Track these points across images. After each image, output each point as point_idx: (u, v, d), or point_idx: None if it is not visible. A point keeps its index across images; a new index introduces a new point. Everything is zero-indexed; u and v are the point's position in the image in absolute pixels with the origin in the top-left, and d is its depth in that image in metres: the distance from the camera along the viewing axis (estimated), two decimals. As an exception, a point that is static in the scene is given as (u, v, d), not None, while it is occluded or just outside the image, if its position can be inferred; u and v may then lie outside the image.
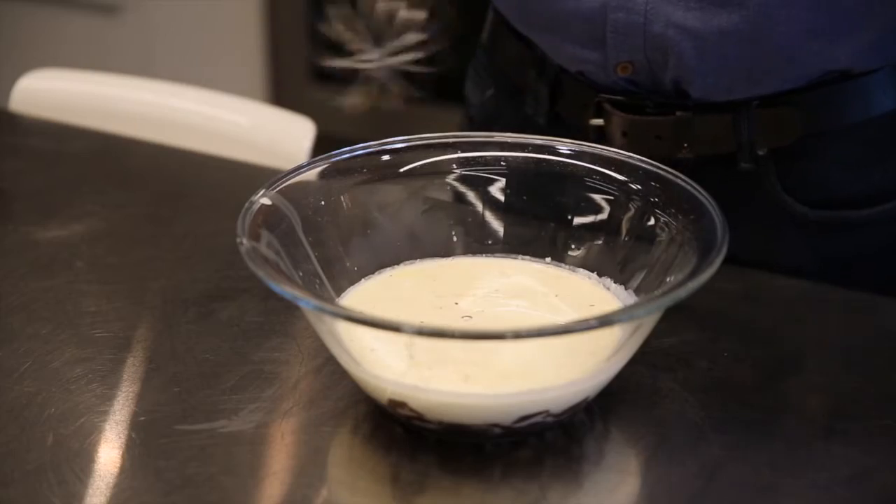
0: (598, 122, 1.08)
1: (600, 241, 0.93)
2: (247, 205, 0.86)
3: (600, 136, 1.08)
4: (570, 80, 1.09)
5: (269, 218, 0.87)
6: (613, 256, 0.92)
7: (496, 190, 0.96)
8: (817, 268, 1.04)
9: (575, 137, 1.07)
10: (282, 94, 2.87)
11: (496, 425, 0.81)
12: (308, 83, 2.87)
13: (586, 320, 0.75)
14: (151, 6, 2.84)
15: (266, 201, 0.87)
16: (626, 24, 1.03)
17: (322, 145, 1.16)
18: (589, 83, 1.08)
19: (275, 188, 0.89)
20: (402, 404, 0.81)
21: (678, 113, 1.05)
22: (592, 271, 0.93)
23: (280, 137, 1.38)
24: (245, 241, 0.82)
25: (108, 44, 2.88)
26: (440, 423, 0.81)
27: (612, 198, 0.93)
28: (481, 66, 1.21)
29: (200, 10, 2.83)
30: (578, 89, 1.09)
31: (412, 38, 1.03)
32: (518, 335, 0.76)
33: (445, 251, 0.96)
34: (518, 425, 0.81)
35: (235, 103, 1.45)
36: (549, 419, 0.82)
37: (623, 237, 0.91)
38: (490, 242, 0.96)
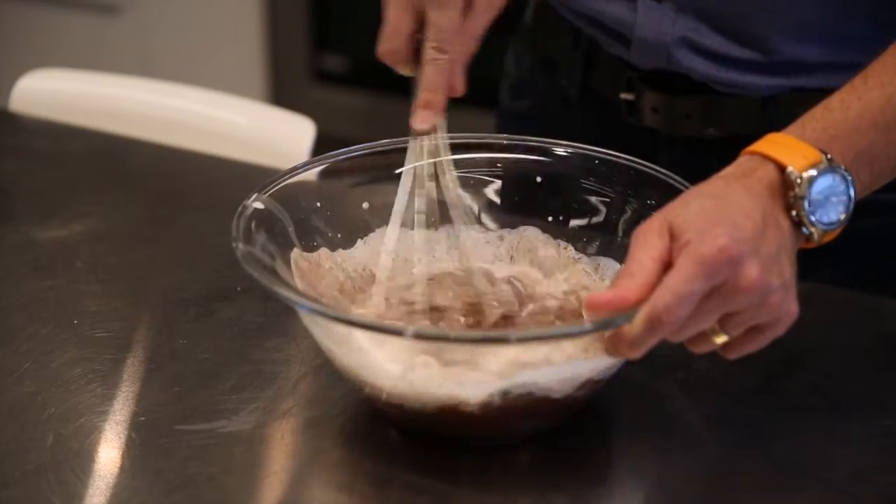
0: (629, 96, 1.08)
1: (596, 243, 0.93)
2: (240, 209, 0.86)
3: (631, 110, 1.09)
4: (604, 53, 1.10)
5: (263, 221, 0.87)
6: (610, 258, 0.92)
7: (491, 192, 0.96)
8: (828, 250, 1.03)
9: (606, 110, 1.08)
10: (282, 94, 2.87)
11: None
12: (308, 83, 2.87)
13: (582, 325, 0.76)
14: (151, 6, 2.83)
15: (259, 205, 0.87)
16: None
17: (322, 145, 1.16)
18: (621, 58, 1.08)
19: (267, 191, 0.88)
20: (399, 406, 0.81)
21: (707, 94, 1.05)
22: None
23: (280, 137, 1.37)
24: (241, 245, 0.82)
25: (108, 44, 2.87)
26: (433, 424, 0.81)
27: (608, 199, 0.93)
28: (522, 42, 1.22)
29: (200, 10, 2.83)
30: (611, 63, 1.09)
31: None
32: (521, 339, 0.76)
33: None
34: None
35: (235, 103, 1.44)
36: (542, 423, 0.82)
37: (619, 238, 0.91)
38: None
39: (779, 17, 1.00)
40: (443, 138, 0.90)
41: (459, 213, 0.91)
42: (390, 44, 0.89)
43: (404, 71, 0.90)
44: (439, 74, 0.88)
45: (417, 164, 0.90)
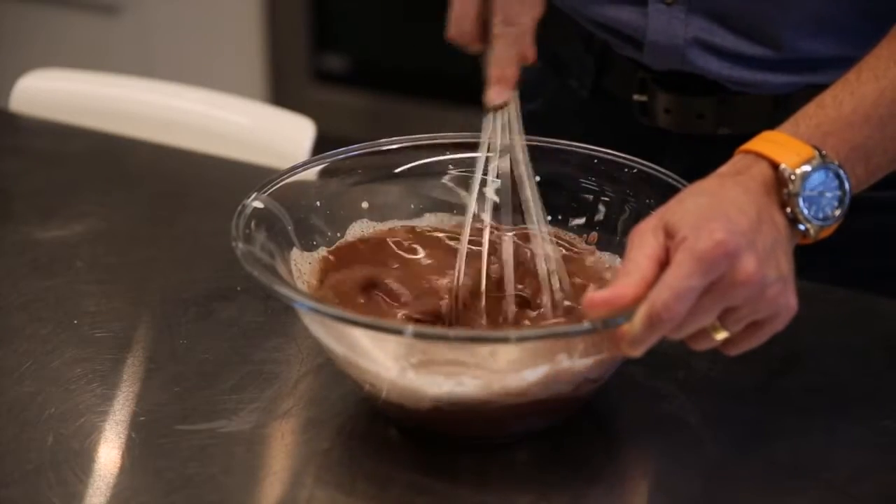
0: (642, 97, 1.09)
1: (595, 243, 0.93)
2: (239, 208, 0.86)
3: (644, 111, 1.09)
4: (616, 55, 1.10)
5: (263, 221, 0.87)
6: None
7: (491, 191, 0.96)
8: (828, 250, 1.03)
9: (619, 111, 1.08)
10: (282, 94, 2.87)
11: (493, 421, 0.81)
12: (308, 83, 2.87)
13: (581, 324, 0.76)
14: (151, 6, 2.83)
15: (258, 204, 0.87)
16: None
17: (322, 145, 1.16)
18: (634, 59, 1.08)
19: (267, 191, 0.89)
20: (398, 405, 0.81)
21: (720, 93, 1.05)
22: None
23: (280, 137, 1.37)
24: (240, 244, 0.82)
25: (108, 44, 2.87)
26: (433, 423, 0.81)
27: (607, 199, 0.93)
28: None
29: (200, 10, 2.83)
30: (623, 65, 1.09)
31: None
32: (521, 338, 0.76)
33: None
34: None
35: (235, 103, 1.44)
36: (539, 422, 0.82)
37: (618, 238, 0.91)
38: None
39: (790, 12, 1.00)
40: (516, 111, 0.90)
41: (526, 192, 0.90)
42: (459, 26, 0.89)
43: (475, 50, 0.90)
44: (509, 47, 0.88)
45: (491, 139, 0.90)
